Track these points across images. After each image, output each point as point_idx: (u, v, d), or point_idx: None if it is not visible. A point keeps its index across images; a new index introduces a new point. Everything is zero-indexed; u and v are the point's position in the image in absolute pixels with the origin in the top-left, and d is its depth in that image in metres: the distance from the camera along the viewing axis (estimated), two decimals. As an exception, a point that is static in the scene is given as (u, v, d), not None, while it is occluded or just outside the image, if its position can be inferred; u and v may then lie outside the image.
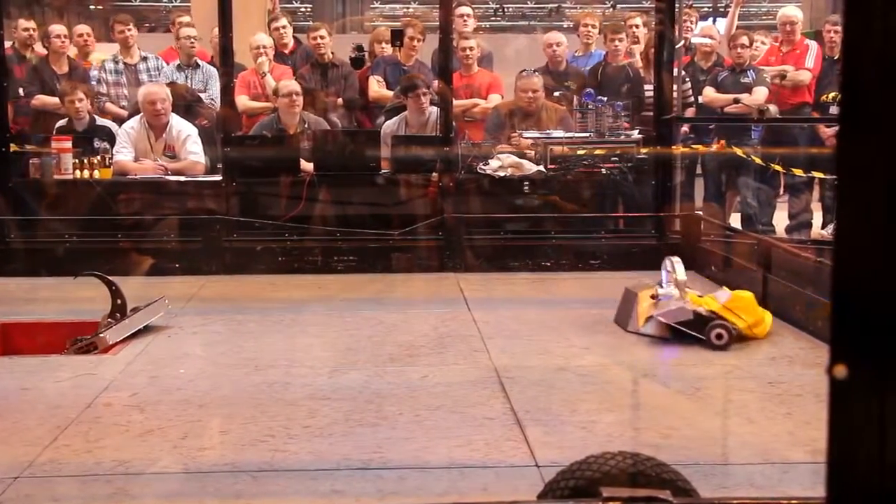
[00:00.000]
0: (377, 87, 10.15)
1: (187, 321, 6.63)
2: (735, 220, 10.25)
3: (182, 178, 8.81)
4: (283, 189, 8.56)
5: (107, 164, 8.90)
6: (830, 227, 10.15)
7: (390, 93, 9.98)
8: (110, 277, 6.46)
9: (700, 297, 6.13)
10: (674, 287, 6.08)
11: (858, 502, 1.28)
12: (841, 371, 1.25)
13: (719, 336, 5.72)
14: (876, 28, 1.22)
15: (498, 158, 8.85)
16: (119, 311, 6.30)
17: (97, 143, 9.11)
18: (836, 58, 10.46)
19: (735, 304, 6.05)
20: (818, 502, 1.25)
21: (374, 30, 13.33)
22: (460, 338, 6.26)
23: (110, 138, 9.15)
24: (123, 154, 8.94)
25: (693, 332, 5.81)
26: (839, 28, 10.91)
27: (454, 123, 8.96)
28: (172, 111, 9.09)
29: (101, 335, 6.03)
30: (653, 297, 6.14)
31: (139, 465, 4.18)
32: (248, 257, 8.33)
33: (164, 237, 8.39)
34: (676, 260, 6.21)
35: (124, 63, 10.32)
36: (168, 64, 10.44)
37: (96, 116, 9.48)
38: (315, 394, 5.09)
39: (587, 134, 9.13)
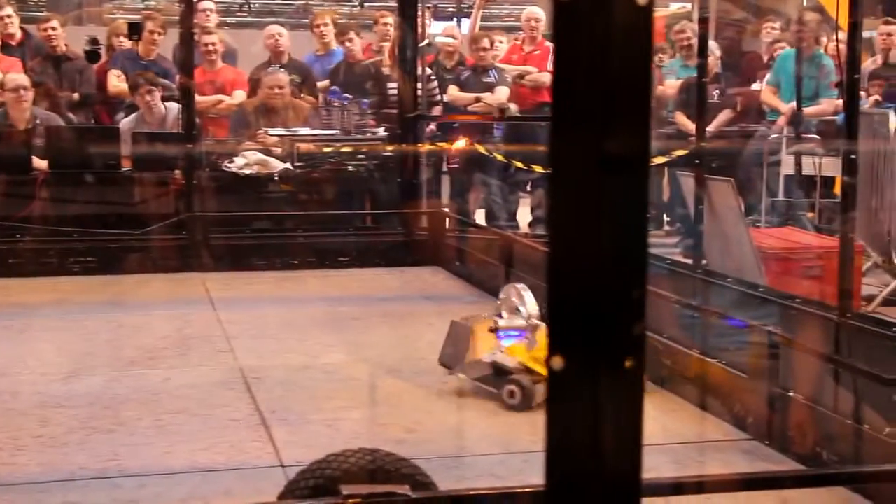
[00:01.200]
0: (116, 82, 9.92)
1: None
2: (480, 216, 10.45)
3: None
4: (13, 187, 8.27)
5: None
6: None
7: (129, 88, 9.77)
8: None
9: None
10: (519, 319, 5.17)
11: (575, 487, 1.32)
12: (558, 362, 1.29)
13: (511, 394, 4.87)
14: (582, 35, 1.27)
15: (243, 156, 8.80)
16: None
17: None
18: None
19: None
20: (539, 489, 1.28)
21: (112, 22, 13.02)
22: (205, 339, 6.19)
23: None
24: None
25: (490, 387, 5.05)
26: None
27: (197, 120, 8.84)
28: None
29: None
30: (492, 329, 5.19)
31: None
32: (-26, 260, 8.01)
33: None
34: (523, 287, 5.28)
35: None
36: None
37: None
38: (47, 402, 4.93)
39: (334, 131, 9.17)
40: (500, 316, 5.23)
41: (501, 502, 2.81)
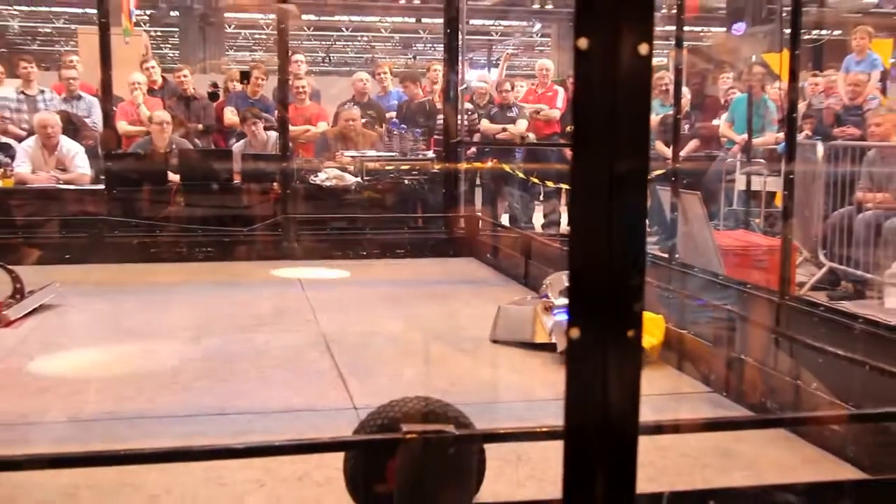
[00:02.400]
0: (230, 116, 9.95)
1: (76, 301, 6.35)
2: (505, 220, 10.42)
3: (72, 187, 8.50)
4: (154, 195, 8.31)
5: (8, 175, 8.52)
6: (574, 225, 10.40)
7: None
8: (10, 266, 6.19)
9: None
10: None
11: (588, 430, 1.31)
12: (575, 332, 1.27)
13: None
14: (596, 78, 1.25)
15: (325, 171, 8.81)
16: (18, 293, 6.05)
17: (1, 158, 8.67)
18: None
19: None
20: (560, 429, 1.27)
21: (227, 71, 13.07)
22: (295, 311, 6.19)
23: (11, 154, 8.76)
24: (22, 167, 8.58)
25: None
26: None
27: (290, 144, 8.85)
28: (62, 134, 8.75)
29: (4, 312, 5.75)
30: (547, 308, 5.22)
31: (35, 416, 4.00)
32: (126, 250, 8.05)
33: (55, 234, 8.06)
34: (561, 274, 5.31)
35: (24, 94, 9.87)
36: (59, 95, 10.05)
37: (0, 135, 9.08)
38: (180, 357, 4.95)
39: (393, 153, 9.17)
40: (545, 297, 5.32)
41: (525, 439, 2.79)
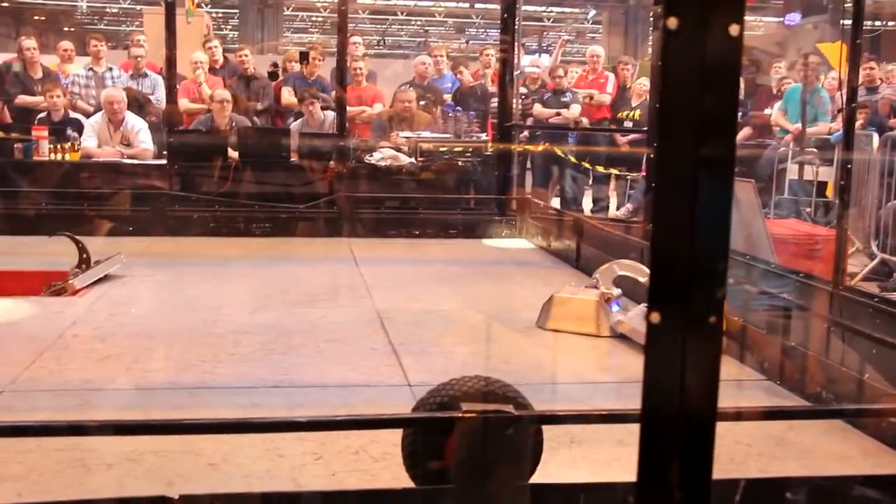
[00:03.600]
0: (288, 96, 9.94)
1: (139, 272, 6.42)
2: (556, 203, 10.34)
3: (135, 161, 8.59)
4: (215, 171, 8.35)
5: (76, 148, 8.61)
6: (623, 209, 10.32)
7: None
8: (78, 237, 6.27)
9: None
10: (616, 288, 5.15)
11: (665, 414, 1.27)
12: (655, 317, 1.23)
13: None
14: (684, 58, 1.20)
15: (380, 152, 8.79)
16: (85, 263, 6.13)
17: (69, 132, 8.77)
18: (627, 86, 10.69)
19: None
20: (636, 414, 1.23)
21: (286, 52, 13.09)
22: (350, 287, 6.20)
23: (80, 129, 8.85)
24: (89, 141, 8.68)
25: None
26: (629, 66, 11.16)
27: (347, 124, 8.85)
28: (127, 110, 8.83)
29: (71, 281, 5.83)
30: (607, 300, 5.10)
31: (100, 383, 4.04)
32: (187, 223, 8.13)
33: (120, 207, 8.14)
34: (630, 264, 5.23)
35: (93, 71, 9.97)
36: (126, 73, 10.13)
37: (69, 111, 9.17)
38: (239, 329, 4.97)
39: (448, 135, 9.12)
40: (596, 287, 5.19)
41: (583, 422, 2.74)
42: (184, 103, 9.53)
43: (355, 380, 4.17)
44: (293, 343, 4.73)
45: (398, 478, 2.69)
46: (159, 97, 9.74)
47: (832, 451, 3.41)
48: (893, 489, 2.05)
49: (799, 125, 9.43)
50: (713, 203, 1.23)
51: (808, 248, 6.69)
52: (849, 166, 4.87)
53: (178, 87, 9.08)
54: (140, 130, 8.79)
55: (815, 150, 9.34)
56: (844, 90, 5.11)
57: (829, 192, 9.04)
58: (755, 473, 2.96)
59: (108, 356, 4.41)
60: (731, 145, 1.23)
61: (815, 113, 9.68)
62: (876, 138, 8.40)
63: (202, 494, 2.08)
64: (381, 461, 3.15)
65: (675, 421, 1.27)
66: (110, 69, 10.05)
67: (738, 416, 2.43)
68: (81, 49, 11.12)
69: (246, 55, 10.20)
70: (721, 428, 3.08)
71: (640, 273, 5.13)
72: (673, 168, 1.24)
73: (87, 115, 9.27)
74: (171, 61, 8.51)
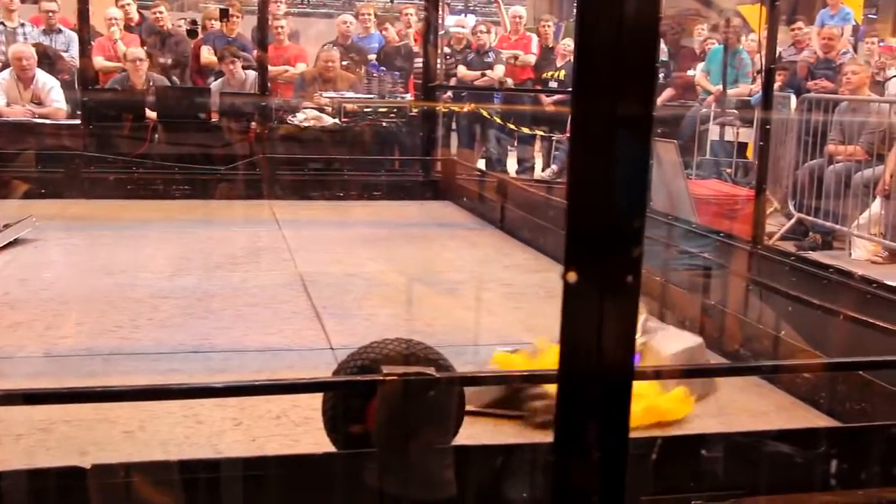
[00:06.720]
0: (207, 55, 9.72)
1: (52, 235, 6.24)
2: (481, 164, 10.33)
3: (47, 121, 8.31)
4: (131, 132, 8.14)
5: (-19, 108, 8.31)
6: (548, 171, 10.37)
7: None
8: (-15, 200, 6.07)
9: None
10: None
11: (582, 375, 1.26)
12: (572, 276, 1.22)
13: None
14: (601, 18, 1.18)
15: (303, 112, 8.69)
16: (-6, 226, 5.92)
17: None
18: (550, 46, 10.71)
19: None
20: (554, 374, 1.23)
21: (205, 9, 12.79)
22: (272, 250, 6.12)
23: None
24: (-4, 99, 8.38)
25: None
26: (550, 24, 11.16)
27: (269, 84, 8.70)
28: (38, 67, 8.52)
29: (-22, 246, 5.64)
30: None
31: (10, 350, 3.92)
32: (102, 185, 7.92)
33: (31, 168, 7.88)
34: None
35: (4, 25, 9.58)
36: (38, 28, 9.78)
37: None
38: (156, 293, 4.87)
39: (372, 96, 9.04)
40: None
41: (505, 383, 2.75)
42: (98, 61, 9.27)
43: (277, 344, 4.13)
44: (213, 307, 4.66)
45: (320, 443, 2.66)
46: (73, 54, 9.45)
47: (748, 406, 3.48)
48: (806, 443, 2.11)
49: (720, 86, 9.56)
50: (630, 161, 1.22)
51: (729, 208, 6.81)
52: (767, 127, 4.94)
53: (92, 44, 8.81)
54: (52, 89, 8.50)
55: (735, 111, 9.49)
56: (764, 52, 5.18)
57: (750, 154, 9.20)
58: (672, 430, 3.01)
59: (18, 322, 4.29)
60: (650, 104, 1.22)
61: (736, 75, 9.82)
62: (793, 100, 8.56)
63: (116, 463, 2.02)
64: (303, 426, 3.12)
65: (592, 381, 1.26)
66: (22, 24, 9.70)
67: (657, 374, 2.46)
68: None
69: (161, 11, 9.94)
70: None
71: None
72: (590, 126, 1.22)
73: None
74: (84, 16, 8.24)
